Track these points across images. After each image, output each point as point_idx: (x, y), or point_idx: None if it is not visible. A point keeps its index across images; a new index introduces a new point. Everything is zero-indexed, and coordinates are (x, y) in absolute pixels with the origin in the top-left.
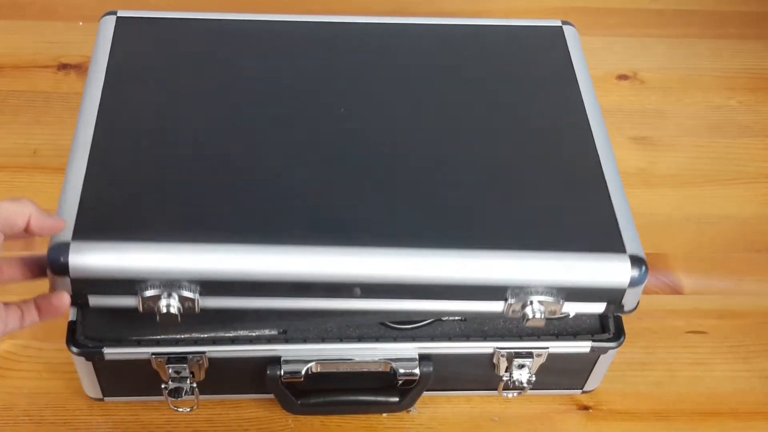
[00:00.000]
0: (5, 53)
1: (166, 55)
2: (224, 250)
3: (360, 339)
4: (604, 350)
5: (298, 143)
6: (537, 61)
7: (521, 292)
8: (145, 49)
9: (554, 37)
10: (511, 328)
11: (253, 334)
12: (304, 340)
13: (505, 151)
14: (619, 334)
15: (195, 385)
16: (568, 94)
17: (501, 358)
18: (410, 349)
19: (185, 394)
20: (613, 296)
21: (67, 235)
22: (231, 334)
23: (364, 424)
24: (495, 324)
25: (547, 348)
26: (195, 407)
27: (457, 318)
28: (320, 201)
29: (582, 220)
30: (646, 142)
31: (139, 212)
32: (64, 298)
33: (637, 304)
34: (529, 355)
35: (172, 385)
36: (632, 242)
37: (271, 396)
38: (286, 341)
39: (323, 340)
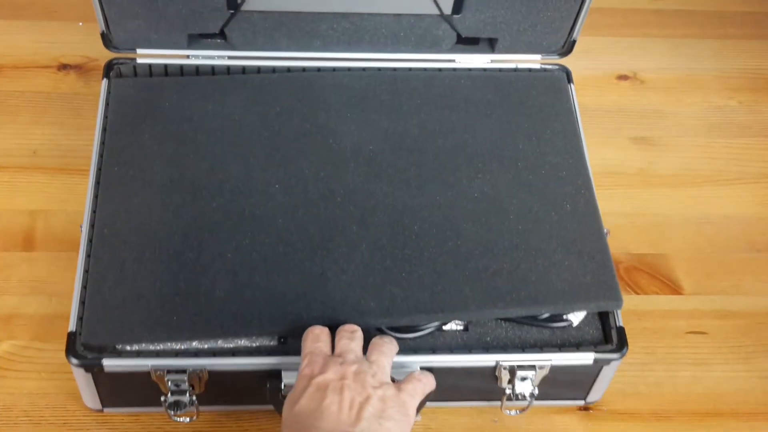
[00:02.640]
0: (5, 53)
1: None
2: None
3: None
4: (607, 361)
5: None
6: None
7: None
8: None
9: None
10: (514, 338)
11: (254, 345)
12: None
13: None
14: (621, 345)
15: (194, 397)
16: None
17: (503, 370)
18: (412, 362)
19: (184, 408)
20: None
21: None
22: (231, 345)
23: None
24: (497, 335)
25: (550, 360)
26: (195, 417)
27: (459, 329)
28: None
29: None
30: (646, 142)
31: None
32: None
33: None
34: (532, 368)
35: (171, 398)
36: None
37: (272, 407)
38: (286, 353)
39: None
